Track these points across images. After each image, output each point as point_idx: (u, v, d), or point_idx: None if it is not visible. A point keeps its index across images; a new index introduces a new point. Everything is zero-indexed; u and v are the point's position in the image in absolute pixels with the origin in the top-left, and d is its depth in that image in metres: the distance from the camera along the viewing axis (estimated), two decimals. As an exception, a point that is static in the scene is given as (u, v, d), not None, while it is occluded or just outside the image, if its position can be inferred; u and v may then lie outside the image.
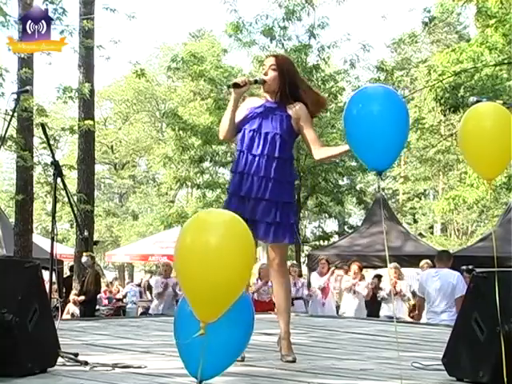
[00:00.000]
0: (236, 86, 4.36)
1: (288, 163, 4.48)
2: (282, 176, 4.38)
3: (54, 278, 6.03)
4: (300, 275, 13.05)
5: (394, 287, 10.70)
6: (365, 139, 3.59)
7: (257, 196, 4.32)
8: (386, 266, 13.12)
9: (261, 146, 4.36)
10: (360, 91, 3.85)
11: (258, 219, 4.31)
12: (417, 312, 9.00)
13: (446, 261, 8.38)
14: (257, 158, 4.35)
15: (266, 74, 4.45)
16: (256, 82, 4.46)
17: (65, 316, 11.70)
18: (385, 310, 10.86)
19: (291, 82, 4.46)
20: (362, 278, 11.53)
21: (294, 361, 4.30)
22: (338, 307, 11.64)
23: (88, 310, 12.25)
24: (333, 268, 11.79)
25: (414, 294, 11.39)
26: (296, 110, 4.45)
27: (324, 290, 11.31)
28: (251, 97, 4.68)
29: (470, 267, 8.14)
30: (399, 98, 3.78)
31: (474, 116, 3.85)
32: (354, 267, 11.32)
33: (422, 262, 10.64)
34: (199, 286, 2.84)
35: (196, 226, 2.98)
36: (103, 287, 15.64)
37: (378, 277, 11.88)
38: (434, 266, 9.07)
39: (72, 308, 12.55)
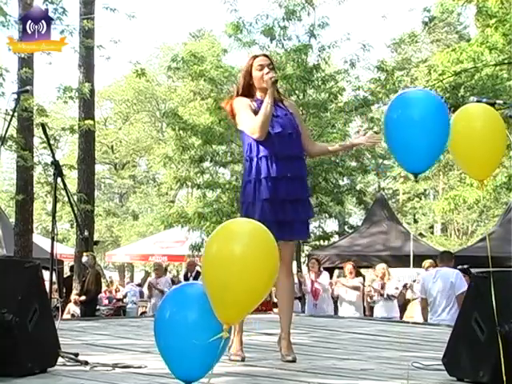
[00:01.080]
0: (276, 82, 4.45)
1: (305, 161, 4.63)
2: (306, 174, 4.55)
3: (54, 278, 6.04)
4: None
5: (382, 288, 10.71)
6: (404, 142, 3.67)
7: (296, 197, 4.38)
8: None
9: (291, 148, 4.42)
10: (401, 95, 3.91)
11: (294, 219, 4.37)
12: (421, 312, 8.96)
13: (448, 261, 8.44)
14: (288, 160, 4.39)
15: (267, 73, 4.46)
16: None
17: (65, 316, 11.70)
18: (377, 312, 10.83)
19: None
20: (358, 275, 11.56)
21: (294, 360, 4.30)
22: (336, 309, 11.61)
23: (89, 309, 12.26)
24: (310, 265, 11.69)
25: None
26: (293, 107, 4.66)
27: (313, 291, 11.21)
28: (239, 97, 4.60)
29: (466, 267, 8.19)
30: (440, 102, 3.81)
31: (463, 117, 3.86)
32: (349, 267, 11.30)
33: (426, 263, 10.63)
34: (224, 293, 2.95)
35: (222, 235, 3.08)
36: (104, 287, 15.65)
37: (405, 285, 11.82)
38: (436, 266, 9.15)
39: (72, 308, 12.56)
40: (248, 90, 4.54)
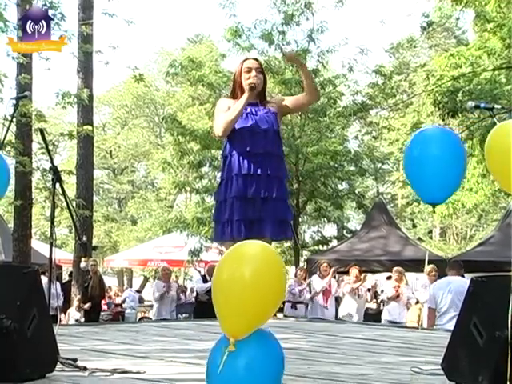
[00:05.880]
0: (253, 89, 4.41)
1: (284, 160, 4.56)
2: (282, 174, 4.43)
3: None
4: (304, 278, 13.05)
5: (397, 291, 10.69)
6: (423, 177, 4.27)
7: (268, 195, 4.28)
8: (386, 271, 13.10)
9: (265, 145, 4.34)
10: (419, 133, 4.49)
11: (263, 217, 4.27)
12: (428, 322, 8.90)
13: (459, 269, 8.47)
14: (261, 157, 4.32)
15: (255, 76, 4.44)
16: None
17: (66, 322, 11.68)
18: (386, 315, 10.82)
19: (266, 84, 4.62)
20: (362, 281, 11.55)
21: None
22: (336, 310, 11.62)
23: (93, 314, 12.25)
24: (333, 269, 11.73)
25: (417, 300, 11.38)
26: (277, 103, 4.56)
27: (325, 294, 11.28)
28: (225, 98, 4.64)
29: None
30: (457, 139, 4.44)
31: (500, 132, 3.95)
32: (355, 271, 11.33)
33: (428, 268, 10.57)
34: (233, 313, 3.03)
35: (233, 258, 3.16)
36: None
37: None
38: (439, 272, 9.22)
39: (73, 313, 12.52)
40: (239, 93, 4.52)
